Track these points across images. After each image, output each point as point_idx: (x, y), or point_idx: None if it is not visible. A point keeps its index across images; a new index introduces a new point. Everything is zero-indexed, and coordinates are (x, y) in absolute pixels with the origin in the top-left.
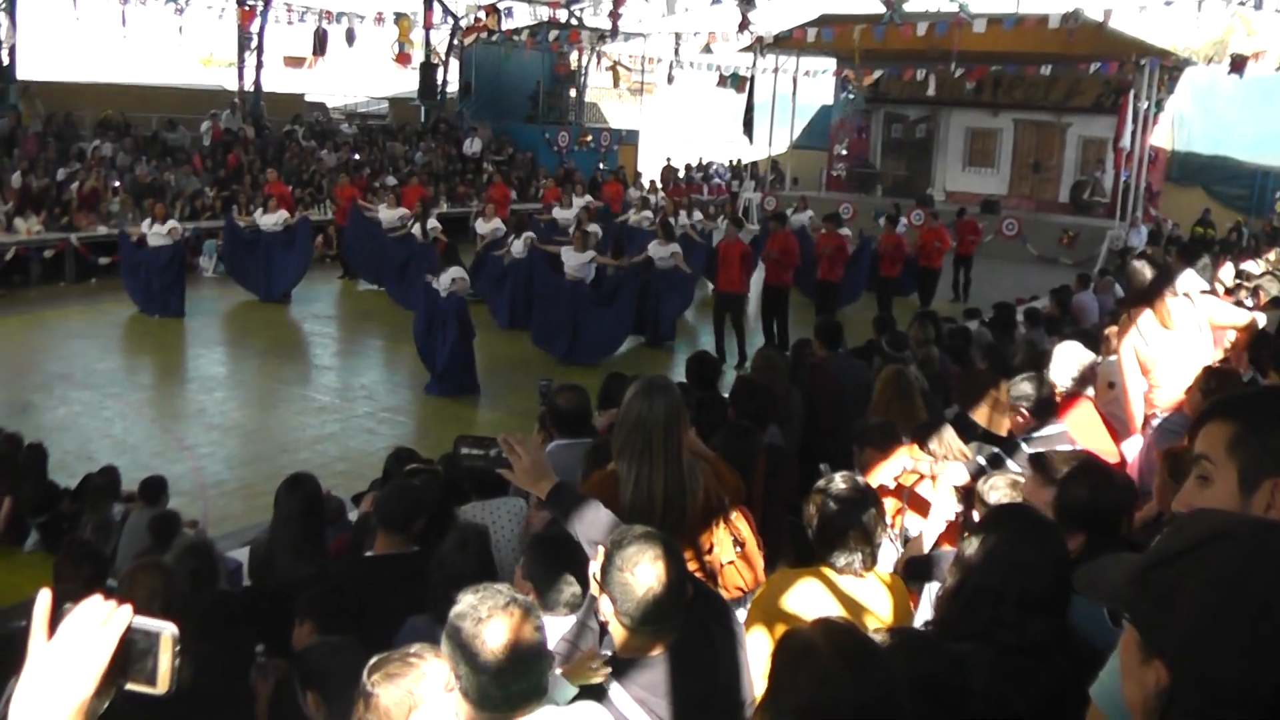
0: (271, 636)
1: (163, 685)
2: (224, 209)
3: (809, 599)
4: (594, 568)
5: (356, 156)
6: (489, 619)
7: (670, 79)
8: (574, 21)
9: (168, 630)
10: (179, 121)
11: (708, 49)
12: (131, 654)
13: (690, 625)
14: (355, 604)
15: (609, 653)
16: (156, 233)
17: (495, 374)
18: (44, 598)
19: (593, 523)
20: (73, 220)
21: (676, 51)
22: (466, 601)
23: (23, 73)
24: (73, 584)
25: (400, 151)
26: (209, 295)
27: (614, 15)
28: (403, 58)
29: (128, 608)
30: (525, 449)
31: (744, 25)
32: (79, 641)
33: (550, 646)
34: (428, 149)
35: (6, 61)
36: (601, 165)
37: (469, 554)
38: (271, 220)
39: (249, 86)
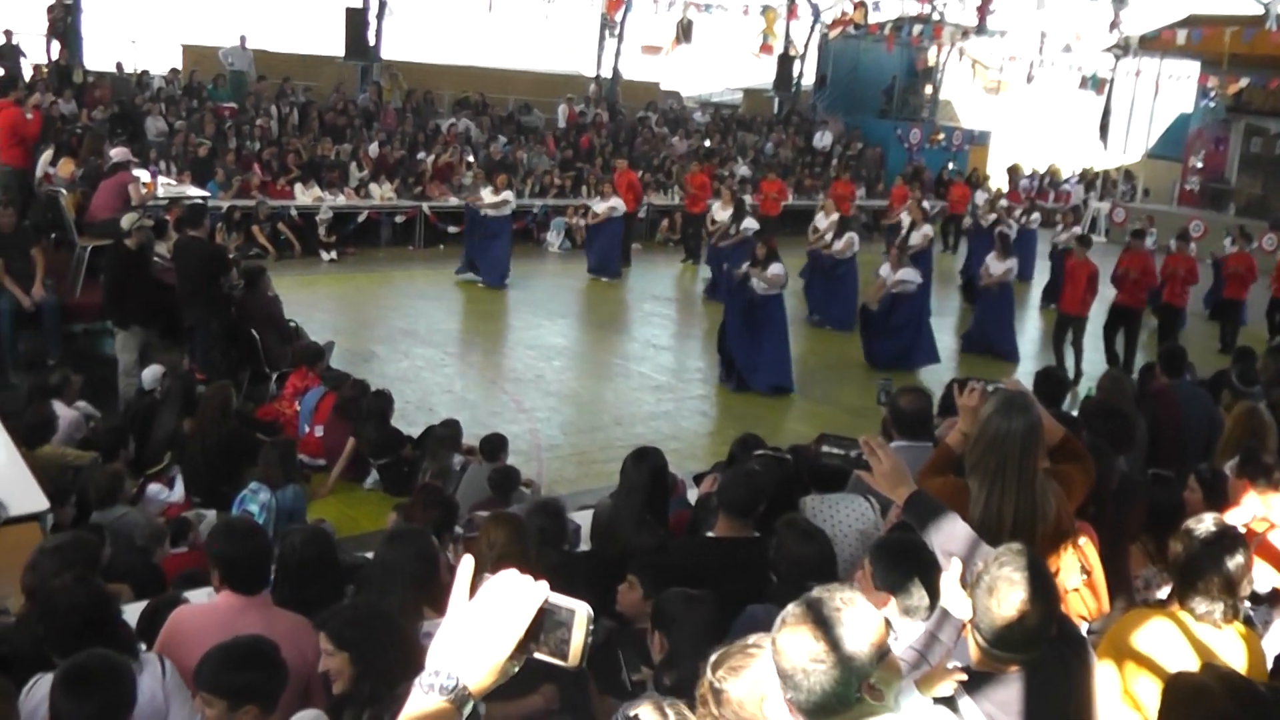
0: (608, 602)
1: (573, 660)
2: (572, 189)
3: (1161, 642)
4: (949, 579)
5: (707, 144)
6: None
7: (1030, 78)
8: (937, 16)
9: (583, 610)
10: (534, 104)
11: (1068, 49)
12: (546, 625)
13: (1046, 651)
14: (689, 578)
15: (959, 663)
16: (490, 200)
17: (818, 370)
18: (467, 562)
19: (951, 535)
20: (425, 190)
21: (1040, 49)
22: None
23: (387, 53)
24: (422, 526)
25: (751, 142)
26: (553, 270)
27: (982, 10)
28: (765, 48)
29: (544, 583)
30: (886, 452)
31: (1114, 24)
32: (500, 608)
33: (899, 653)
34: (778, 140)
35: (373, 41)
36: (950, 165)
37: (812, 546)
38: (603, 207)
39: (606, 73)
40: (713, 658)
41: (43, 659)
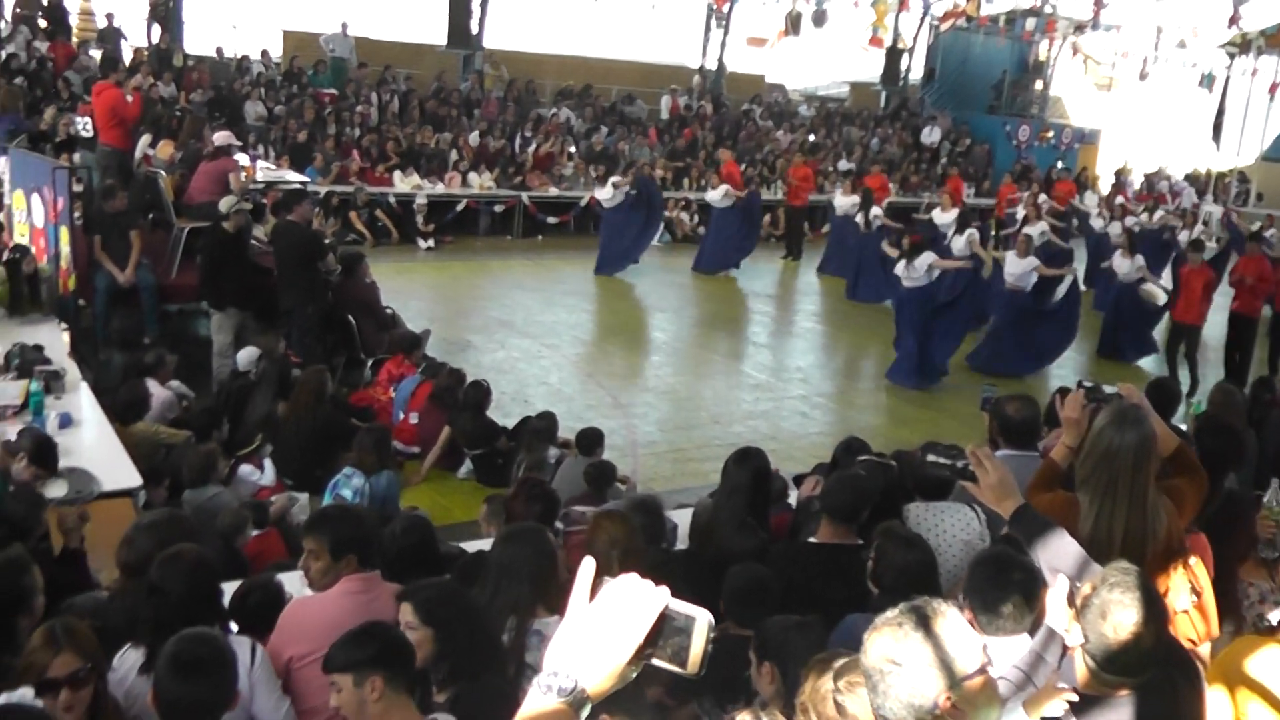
0: (703, 603)
1: (692, 667)
2: (675, 182)
3: (1275, 668)
4: (1056, 597)
5: (812, 138)
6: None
7: (1143, 75)
8: (1050, 9)
9: (704, 617)
10: (638, 95)
11: (1182, 45)
12: (665, 631)
13: (1157, 674)
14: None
15: (1066, 685)
16: (604, 195)
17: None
18: (589, 564)
19: (1059, 551)
20: (525, 180)
21: (1156, 45)
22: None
23: (489, 42)
24: (524, 520)
25: (856, 136)
26: (653, 264)
27: (1097, 3)
28: (875, 41)
29: (665, 589)
30: (993, 464)
31: (1234, 19)
32: (621, 611)
33: (998, 671)
34: (884, 135)
35: (475, 30)
36: (1059, 164)
37: (914, 553)
38: (717, 195)
39: (711, 64)
40: (836, 666)
41: (134, 632)
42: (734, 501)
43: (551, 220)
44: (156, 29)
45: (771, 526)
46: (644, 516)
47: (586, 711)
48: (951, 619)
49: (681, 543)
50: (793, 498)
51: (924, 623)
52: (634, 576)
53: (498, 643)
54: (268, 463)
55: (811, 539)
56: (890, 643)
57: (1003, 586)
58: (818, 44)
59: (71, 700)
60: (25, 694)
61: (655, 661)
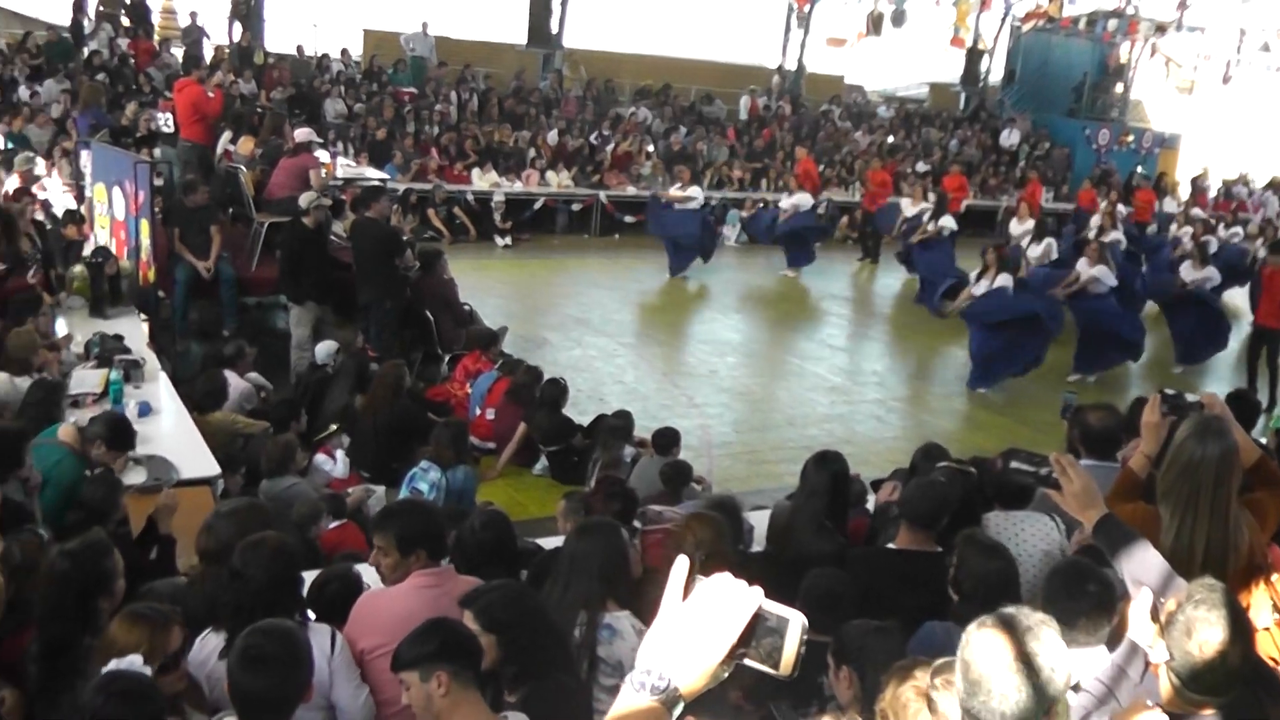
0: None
1: (785, 669)
2: (752, 182)
3: None
4: (1139, 610)
5: (891, 139)
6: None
7: (1226, 79)
8: (1132, 10)
9: (798, 619)
10: (717, 95)
11: (1265, 47)
12: (758, 632)
13: (1243, 693)
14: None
15: (1153, 703)
16: (677, 194)
17: (1011, 382)
18: (683, 563)
19: (1143, 563)
20: (603, 178)
21: (1239, 48)
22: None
23: (569, 41)
24: (603, 517)
25: (936, 138)
26: (730, 264)
27: (1183, 5)
28: (957, 41)
29: (758, 589)
30: (1078, 472)
31: None
32: (714, 611)
33: (1081, 683)
34: (963, 137)
35: (555, 29)
36: (1139, 169)
37: (996, 562)
38: (790, 203)
39: (791, 65)
40: (935, 664)
41: (213, 618)
42: (812, 504)
43: (629, 219)
44: (238, 27)
45: (849, 531)
46: (723, 517)
47: (679, 710)
48: (1055, 628)
49: (758, 545)
50: (870, 502)
51: (1027, 633)
52: (728, 576)
53: (565, 641)
54: (340, 454)
55: (890, 545)
56: (992, 649)
57: (1078, 598)
58: (898, 44)
59: (183, 671)
60: (134, 660)
61: (748, 662)
